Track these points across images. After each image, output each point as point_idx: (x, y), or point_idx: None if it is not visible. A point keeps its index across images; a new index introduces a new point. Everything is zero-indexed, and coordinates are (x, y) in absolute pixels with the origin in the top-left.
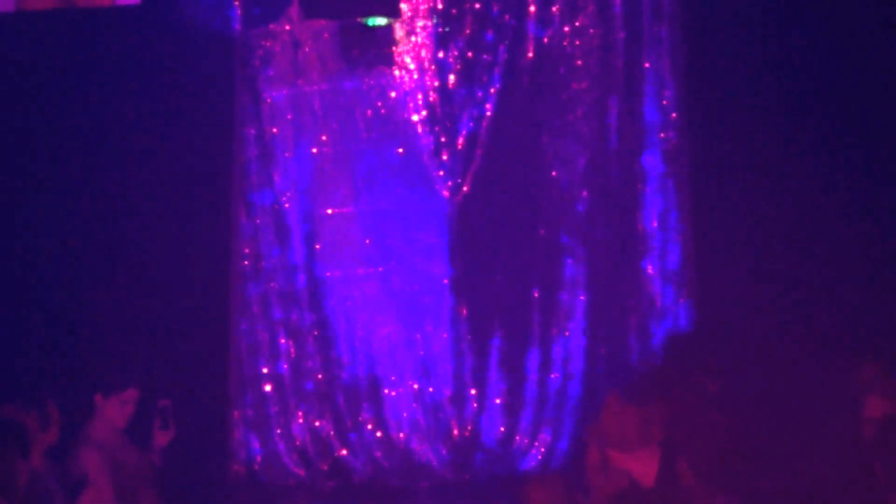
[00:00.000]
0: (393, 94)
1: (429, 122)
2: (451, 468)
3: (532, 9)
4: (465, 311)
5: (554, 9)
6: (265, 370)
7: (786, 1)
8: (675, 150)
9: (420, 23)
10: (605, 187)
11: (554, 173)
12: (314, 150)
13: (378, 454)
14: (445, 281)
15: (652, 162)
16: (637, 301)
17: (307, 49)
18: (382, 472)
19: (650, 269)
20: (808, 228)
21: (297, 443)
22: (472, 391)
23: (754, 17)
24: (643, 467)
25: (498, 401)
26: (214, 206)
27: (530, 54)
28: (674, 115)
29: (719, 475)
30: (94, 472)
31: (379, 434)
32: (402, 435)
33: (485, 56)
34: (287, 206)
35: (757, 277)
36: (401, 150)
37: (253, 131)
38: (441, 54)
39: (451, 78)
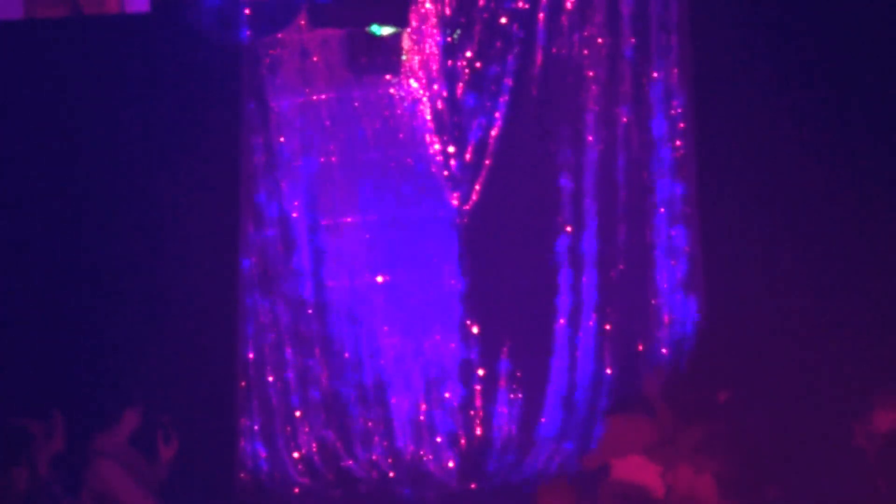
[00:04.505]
0: (401, 103)
1: (437, 131)
2: (458, 477)
3: (541, 18)
4: (472, 320)
5: (562, 18)
6: (272, 379)
7: (793, 10)
8: (683, 159)
9: (428, 32)
10: (614, 196)
11: (562, 182)
12: (321, 159)
13: (384, 463)
14: (454, 290)
15: (660, 171)
16: (646, 309)
17: (315, 58)
18: (389, 481)
19: (659, 278)
20: (816, 235)
21: (304, 451)
22: (480, 400)
23: (762, 27)
24: (652, 477)
25: (506, 410)
26: (222, 215)
27: (539, 64)
28: (682, 124)
29: (729, 483)
30: (117, 481)
31: (385, 443)
32: (408, 444)
33: (493, 65)
34: (294, 214)
35: (766, 285)
36: (409, 160)
37: (260, 140)
38: (449, 63)
39: (460, 87)
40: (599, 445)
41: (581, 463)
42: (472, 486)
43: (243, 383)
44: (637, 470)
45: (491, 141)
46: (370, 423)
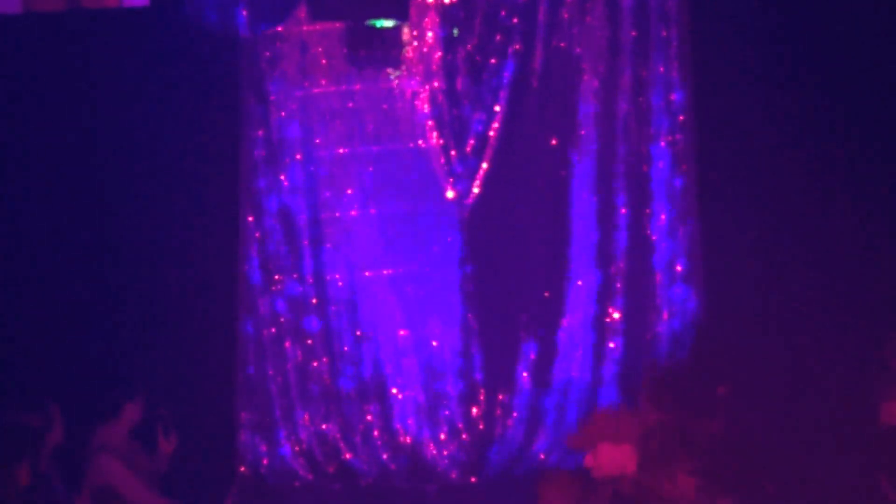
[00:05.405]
0: (401, 97)
1: (437, 124)
2: (459, 470)
3: (540, 11)
4: (474, 314)
5: (562, 11)
6: (272, 373)
7: (793, 3)
8: (682, 152)
9: (428, 25)
10: (613, 189)
11: (562, 175)
12: (321, 153)
13: (384, 457)
14: (454, 283)
15: (660, 163)
16: (646, 302)
17: (314, 51)
18: (389, 474)
19: (658, 270)
20: (814, 228)
21: (304, 445)
22: (481, 393)
23: (760, 20)
24: (623, 463)
25: (507, 402)
26: (222, 209)
27: (538, 56)
28: (681, 117)
29: (724, 478)
30: (118, 476)
31: (386, 437)
32: (408, 438)
33: (493, 58)
34: (294, 208)
35: (765, 278)
36: (409, 153)
37: (260, 133)
38: (449, 57)
39: (460, 80)
40: (581, 430)
41: (566, 442)
42: (473, 479)
43: (243, 377)
44: (611, 461)
45: (491, 134)
46: (370, 417)
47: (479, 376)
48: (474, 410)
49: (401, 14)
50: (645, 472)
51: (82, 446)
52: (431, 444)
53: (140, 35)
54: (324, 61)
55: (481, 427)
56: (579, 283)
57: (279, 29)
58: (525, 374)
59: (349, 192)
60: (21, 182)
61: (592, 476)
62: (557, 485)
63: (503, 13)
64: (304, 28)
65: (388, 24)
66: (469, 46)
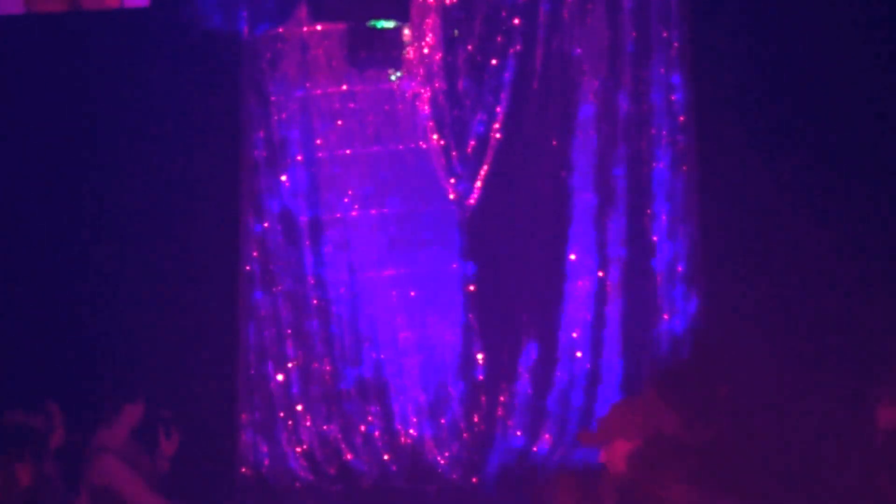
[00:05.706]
0: (402, 98)
1: (438, 125)
2: (460, 471)
3: (541, 12)
4: (474, 314)
5: (563, 12)
6: (273, 373)
7: (792, 4)
8: (683, 153)
9: (429, 26)
10: (614, 190)
11: (563, 175)
12: (322, 154)
13: (385, 457)
14: (456, 284)
15: (660, 164)
16: (647, 303)
17: (315, 52)
18: (390, 475)
19: (659, 271)
20: (816, 230)
21: (305, 446)
22: (482, 394)
23: (761, 21)
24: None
25: (507, 403)
26: (223, 210)
27: (539, 57)
28: (682, 118)
29: (724, 480)
30: (119, 477)
31: (387, 437)
32: (409, 438)
33: (494, 59)
34: (295, 209)
35: (766, 279)
36: (410, 154)
37: (261, 134)
38: (450, 58)
39: (460, 81)
40: (599, 425)
41: (579, 438)
42: (474, 479)
43: (244, 378)
44: (622, 458)
45: (492, 135)
46: (371, 418)
47: (480, 377)
48: (476, 412)
49: (401, 15)
50: (642, 477)
51: (82, 447)
52: (432, 445)
53: (140, 35)
54: (324, 62)
55: (482, 427)
56: (580, 283)
57: (280, 30)
58: (526, 375)
59: (350, 192)
60: (21, 182)
61: (608, 472)
62: (561, 485)
63: (504, 14)
64: (305, 29)
65: (388, 25)
66: (470, 47)
